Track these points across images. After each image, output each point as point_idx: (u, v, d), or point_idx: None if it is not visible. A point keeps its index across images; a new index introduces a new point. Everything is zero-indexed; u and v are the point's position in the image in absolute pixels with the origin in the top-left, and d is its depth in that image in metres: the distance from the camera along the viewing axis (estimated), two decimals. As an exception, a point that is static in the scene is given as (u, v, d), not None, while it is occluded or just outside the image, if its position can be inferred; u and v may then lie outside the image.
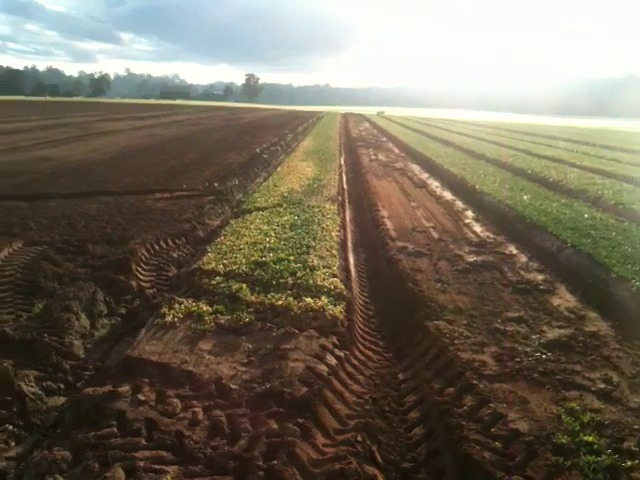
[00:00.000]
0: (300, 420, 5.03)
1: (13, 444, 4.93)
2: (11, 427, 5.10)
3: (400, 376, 6.59)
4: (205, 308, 7.50)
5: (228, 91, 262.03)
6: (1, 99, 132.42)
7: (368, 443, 4.94)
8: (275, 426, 4.94)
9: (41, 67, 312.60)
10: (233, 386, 5.65)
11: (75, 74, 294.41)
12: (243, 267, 9.09)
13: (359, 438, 4.95)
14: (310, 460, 4.55)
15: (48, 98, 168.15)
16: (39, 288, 8.41)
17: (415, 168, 25.62)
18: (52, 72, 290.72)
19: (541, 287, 9.28)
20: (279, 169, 22.78)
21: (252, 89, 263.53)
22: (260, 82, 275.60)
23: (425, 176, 23.03)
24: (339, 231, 11.90)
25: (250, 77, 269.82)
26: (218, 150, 29.43)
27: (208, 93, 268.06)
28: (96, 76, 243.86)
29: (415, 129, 57.39)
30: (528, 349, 6.88)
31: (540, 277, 9.83)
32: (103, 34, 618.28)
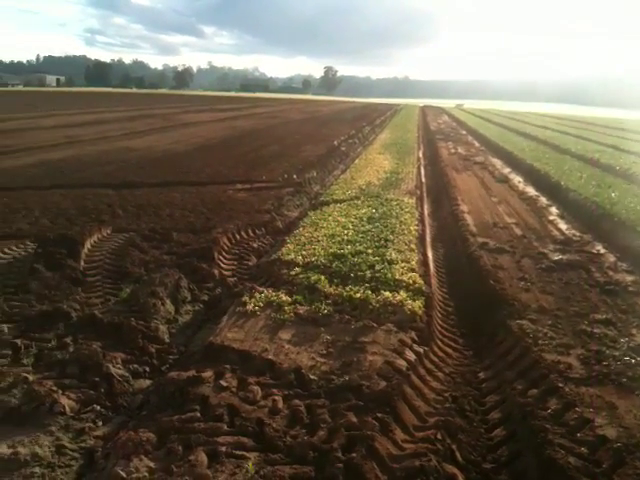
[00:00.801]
0: (379, 414, 5.00)
1: (100, 424, 5.12)
2: (99, 407, 5.29)
3: (481, 375, 6.45)
4: (285, 298, 7.58)
5: (306, 84, 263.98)
6: (90, 90, 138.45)
7: (448, 441, 4.86)
8: (354, 419, 4.93)
9: (127, 60, 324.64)
10: (312, 376, 5.69)
11: (160, 67, 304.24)
12: (321, 259, 9.13)
13: (439, 436, 4.87)
14: (389, 455, 4.52)
15: (134, 90, 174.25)
16: (126, 273, 8.72)
17: (496, 162, 25.03)
18: (138, 65, 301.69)
19: (630, 289, 8.87)
20: (357, 162, 22.74)
21: (330, 82, 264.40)
22: (338, 75, 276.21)
23: (507, 170, 22.46)
24: (417, 225, 11.77)
25: (329, 70, 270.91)
26: (296, 142, 29.64)
27: (287, 86, 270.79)
28: (179, 69, 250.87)
29: (496, 122, 56.01)
30: (616, 353, 6.58)
31: (629, 278, 9.39)
32: (187, 27, 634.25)
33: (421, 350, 6.51)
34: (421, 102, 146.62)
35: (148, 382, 5.85)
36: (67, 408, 5.10)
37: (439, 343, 7.06)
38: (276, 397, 5.30)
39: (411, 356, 6.30)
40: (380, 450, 4.52)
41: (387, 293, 7.70)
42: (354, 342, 6.49)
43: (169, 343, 6.73)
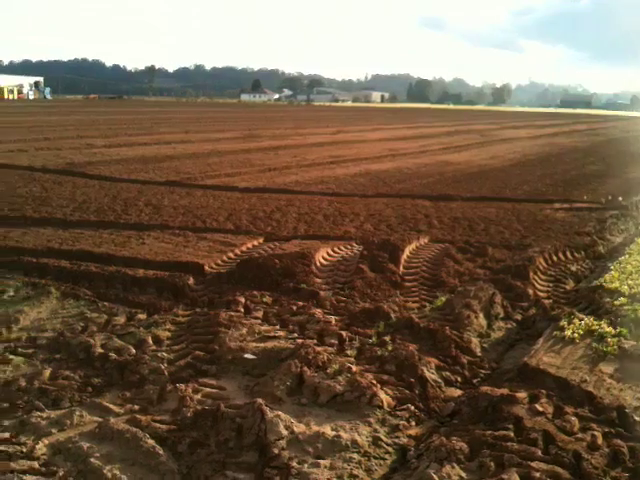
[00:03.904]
0: None
1: (413, 424, 5.30)
2: (413, 407, 5.48)
3: None
4: (607, 329, 7.00)
5: (635, 100, 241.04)
6: (411, 106, 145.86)
7: None
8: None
9: (447, 77, 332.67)
10: (637, 418, 5.17)
11: (478, 83, 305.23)
12: (651, 291, 8.25)
13: None
14: None
15: (451, 106, 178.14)
16: (441, 282, 8.97)
17: None
18: (457, 81, 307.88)
19: None
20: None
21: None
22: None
23: None
24: None
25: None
26: (623, 162, 27.34)
27: (612, 102, 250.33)
28: (498, 85, 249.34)
29: None
30: None
31: None
32: (507, 43, 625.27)
33: None
34: None
35: (459, 392, 5.89)
36: (384, 403, 5.40)
37: None
38: (595, 432, 4.92)
39: None
40: None
41: None
42: (691, 388, 5.73)
43: (480, 357, 6.71)
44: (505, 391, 5.47)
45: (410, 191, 17.15)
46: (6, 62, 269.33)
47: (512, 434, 4.83)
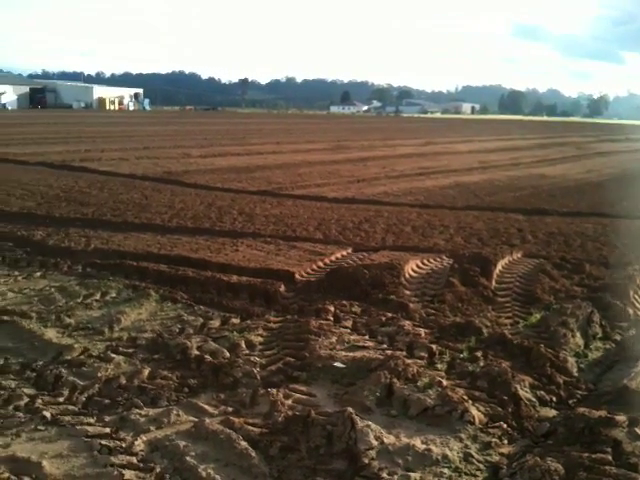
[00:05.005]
0: None
1: (506, 442, 5.17)
2: (505, 425, 5.36)
3: None
4: None
5: None
6: (503, 118, 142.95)
7: None
8: None
9: (541, 88, 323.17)
10: None
11: (574, 94, 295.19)
12: None
13: None
14: None
15: (545, 118, 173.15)
16: (536, 299, 8.71)
17: None
18: (551, 92, 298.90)
19: None
20: None
21: None
22: None
23: None
24: None
25: None
26: None
27: None
28: (595, 96, 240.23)
29: None
30: None
31: None
32: (605, 54, 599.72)
33: None
34: None
35: (554, 412, 5.71)
36: (476, 419, 5.31)
37: None
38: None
39: None
40: None
41: None
42: None
43: (577, 377, 6.47)
44: (603, 413, 5.26)
45: (502, 204, 16.80)
46: (108, 74, 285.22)
47: (610, 458, 4.65)
